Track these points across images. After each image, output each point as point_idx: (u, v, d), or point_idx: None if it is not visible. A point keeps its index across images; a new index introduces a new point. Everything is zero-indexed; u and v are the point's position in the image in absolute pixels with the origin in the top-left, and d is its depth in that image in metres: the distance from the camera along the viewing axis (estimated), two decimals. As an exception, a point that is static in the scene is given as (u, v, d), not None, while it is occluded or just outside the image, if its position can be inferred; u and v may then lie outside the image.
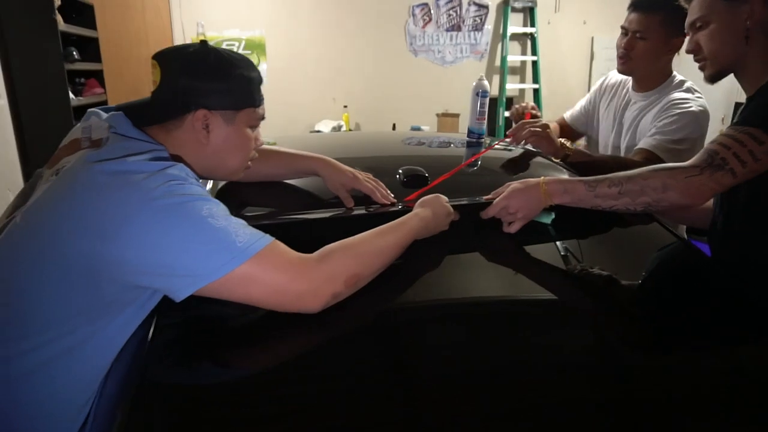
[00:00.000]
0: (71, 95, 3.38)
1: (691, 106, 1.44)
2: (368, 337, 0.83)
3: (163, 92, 0.85)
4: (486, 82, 1.60)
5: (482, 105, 1.59)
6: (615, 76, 1.73)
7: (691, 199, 0.99)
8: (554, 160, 1.42)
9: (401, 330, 0.86)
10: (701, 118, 1.45)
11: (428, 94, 5.13)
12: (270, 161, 1.11)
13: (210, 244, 0.73)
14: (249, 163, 0.96)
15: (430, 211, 0.96)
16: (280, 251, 0.78)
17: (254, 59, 4.89)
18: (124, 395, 0.73)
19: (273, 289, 0.76)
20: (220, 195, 1.10)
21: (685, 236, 1.62)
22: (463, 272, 1.03)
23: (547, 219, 1.12)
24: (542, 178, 1.07)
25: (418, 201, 0.99)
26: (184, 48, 0.87)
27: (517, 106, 1.65)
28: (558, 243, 1.14)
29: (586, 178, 1.06)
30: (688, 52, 1.14)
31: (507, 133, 1.38)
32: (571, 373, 0.76)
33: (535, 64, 5.29)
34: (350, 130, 4.96)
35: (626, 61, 1.53)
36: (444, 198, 1.01)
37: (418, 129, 4.73)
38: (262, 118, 0.94)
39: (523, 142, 1.41)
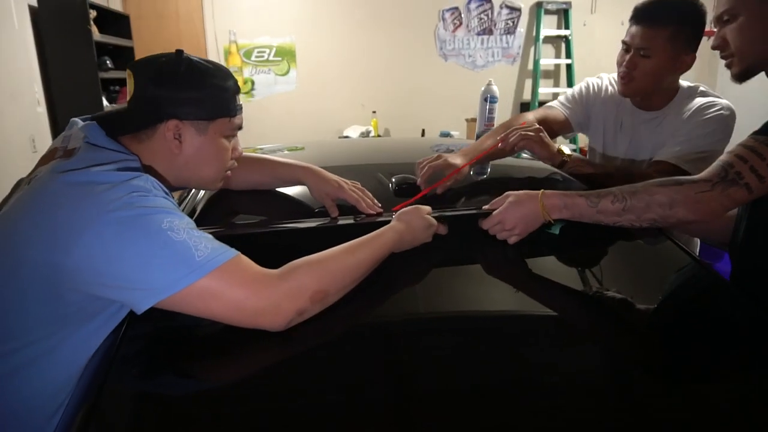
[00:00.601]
0: (105, 102, 3.52)
1: (720, 111, 1.30)
2: (336, 352, 0.80)
3: (136, 102, 0.85)
4: (494, 87, 1.54)
5: (491, 111, 1.55)
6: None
7: (700, 216, 0.92)
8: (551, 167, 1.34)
9: (373, 345, 0.82)
10: (729, 121, 1.32)
11: (458, 100, 5.06)
12: (255, 169, 1.09)
13: (167, 258, 0.71)
14: (228, 173, 0.95)
15: (405, 223, 0.92)
16: (242, 266, 0.75)
17: (284, 65, 4.97)
18: (86, 404, 0.73)
19: (232, 304, 0.73)
20: (207, 204, 1.10)
21: (698, 246, 1.51)
22: (452, 286, 0.99)
23: (555, 230, 1.06)
24: (541, 191, 1.01)
25: (397, 213, 0.95)
26: (157, 57, 0.86)
27: (425, 164, 1.17)
28: (554, 256, 1.08)
29: (588, 192, 1.00)
30: (714, 48, 1.04)
31: (498, 138, 1.30)
32: (563, 397, 0.71)
33: (569, 67, 5.15)
34: (379, 135, 4.95)
35: (628, 82, 1.34)
36: (425, 209, 0.96)
37: (448, 135, 4.67)
38: (239, 128, 0.92)
39: (515, 148, 1.32)
